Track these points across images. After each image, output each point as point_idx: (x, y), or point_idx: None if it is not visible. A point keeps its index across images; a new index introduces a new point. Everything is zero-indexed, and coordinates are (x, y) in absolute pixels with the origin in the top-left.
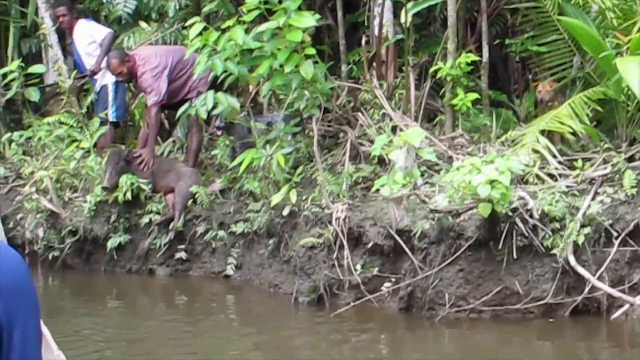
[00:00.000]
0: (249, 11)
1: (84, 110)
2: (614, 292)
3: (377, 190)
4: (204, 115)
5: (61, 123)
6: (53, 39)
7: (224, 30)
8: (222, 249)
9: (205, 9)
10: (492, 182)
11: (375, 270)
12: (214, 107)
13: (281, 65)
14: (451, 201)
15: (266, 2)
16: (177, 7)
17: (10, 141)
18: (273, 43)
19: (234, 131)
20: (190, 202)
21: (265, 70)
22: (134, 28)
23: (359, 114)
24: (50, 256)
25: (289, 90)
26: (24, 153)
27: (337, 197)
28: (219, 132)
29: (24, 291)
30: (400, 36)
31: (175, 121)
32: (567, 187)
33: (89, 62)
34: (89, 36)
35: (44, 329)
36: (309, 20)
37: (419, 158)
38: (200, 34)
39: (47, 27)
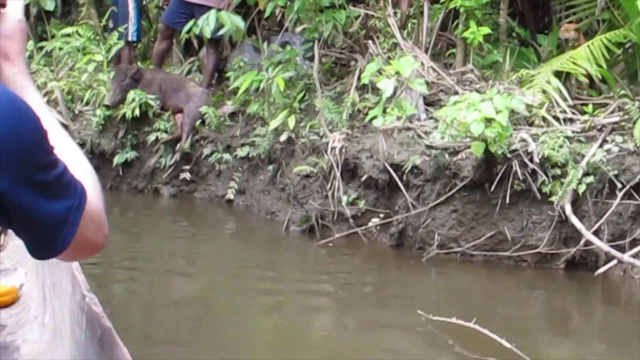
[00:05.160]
0: None
1: (103, 23)
2: (604, 246)
3: (371, 120)
4: (208, 35)
5: (79, 35)
6: None
7: None
8: (226, 173)
9: None
10: (488, 121)
11: (362, 204)
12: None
13: None
14: (444, 137)
15: None
16: None
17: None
18: None
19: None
20: (198, 122)
21: None
22: None
23: (370, 42)
24: None
25: (290, 11)
26: (45, 64)
27: (337, 126)
28: None
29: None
30: None
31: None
32: (574, 132)
33: None
34: None
35: None
36: None
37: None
38: None
39: None
